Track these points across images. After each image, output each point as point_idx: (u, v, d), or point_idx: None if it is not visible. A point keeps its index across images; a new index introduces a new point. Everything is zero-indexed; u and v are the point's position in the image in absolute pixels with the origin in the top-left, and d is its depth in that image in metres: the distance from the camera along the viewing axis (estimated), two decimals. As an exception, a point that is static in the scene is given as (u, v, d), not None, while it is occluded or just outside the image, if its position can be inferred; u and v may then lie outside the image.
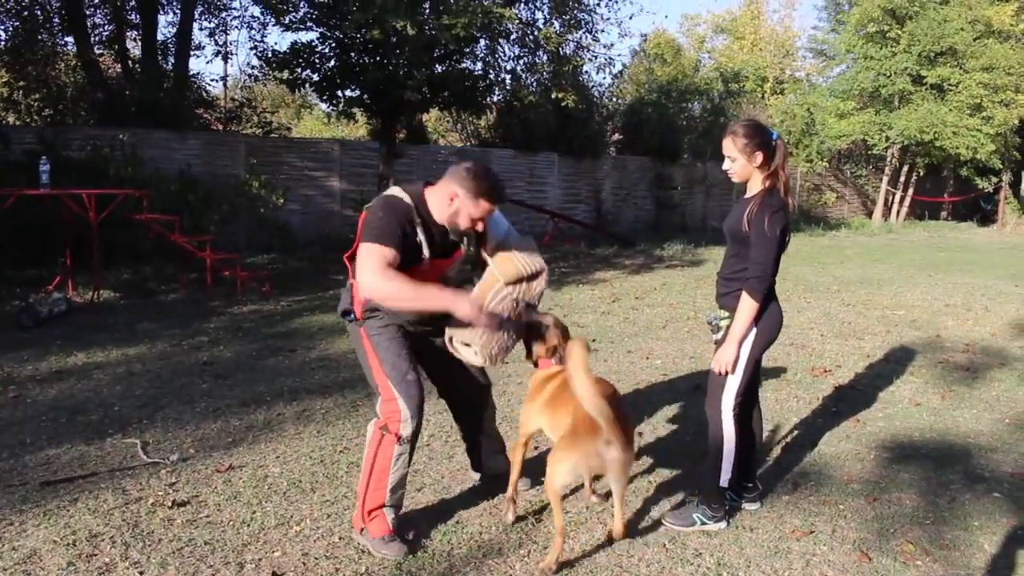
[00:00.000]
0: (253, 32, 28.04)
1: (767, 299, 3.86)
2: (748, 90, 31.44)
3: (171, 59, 17.91)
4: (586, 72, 19.29)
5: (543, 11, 16.33)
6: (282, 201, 14.98)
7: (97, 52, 17.57)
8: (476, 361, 3.85)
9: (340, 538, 3.82)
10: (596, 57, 17.06)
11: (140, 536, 3.81)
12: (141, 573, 3.48)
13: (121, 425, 5.39)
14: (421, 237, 3.68)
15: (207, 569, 3.52)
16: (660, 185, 23.75)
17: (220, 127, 18.12)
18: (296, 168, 16.45)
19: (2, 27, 17.19)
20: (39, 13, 17.36)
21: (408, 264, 3.62)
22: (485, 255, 3.97)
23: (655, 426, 5.59)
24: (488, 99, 17.15)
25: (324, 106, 18.29)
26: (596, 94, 22.46)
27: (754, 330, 3.90)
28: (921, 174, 28.15)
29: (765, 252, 3.78)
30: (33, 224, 10.90)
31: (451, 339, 3.89)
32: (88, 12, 17.50)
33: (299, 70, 14.79)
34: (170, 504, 4.15)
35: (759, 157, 3.87)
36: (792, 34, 39.23)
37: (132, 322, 8.68)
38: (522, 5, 15.88)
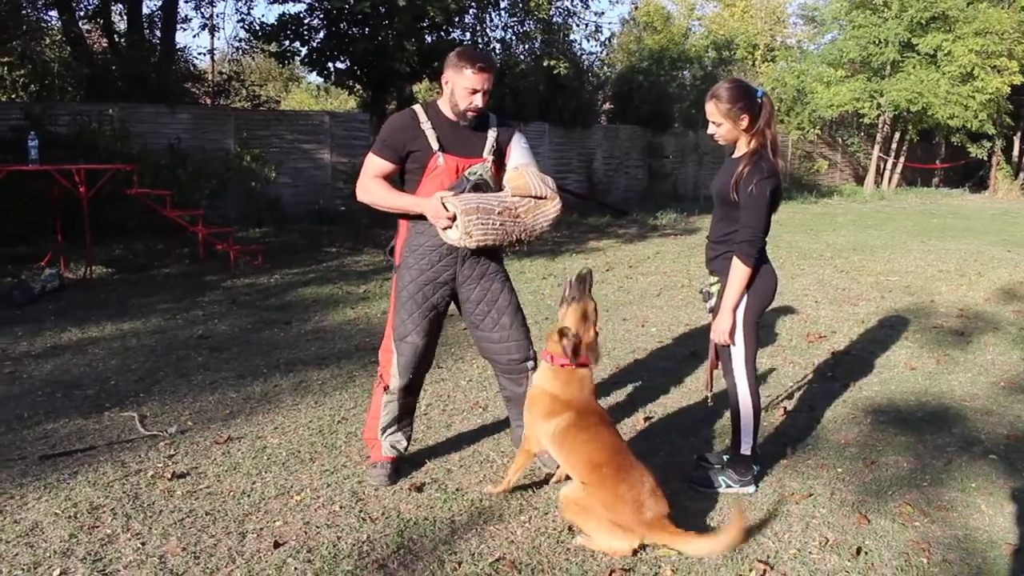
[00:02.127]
0: (240, 4, 27.79)
1: (759, 262, 3.81)
2: (739, 58, 31.28)
3: (157, 33, 17.75)
4: (575, 40, 19.19)
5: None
6: (274, 175, 14.91)
7: (82, 27, 17.39)
8: (452, 237, 3.79)
9: (340, 507, 3.84)
10: (587, 25, 16.98)
11: (141, 508, 3.82)
12: (143, 544, 3.50)
13: (118, 399, 5.39)
14: (428, 133, 3.89)
15: (209, 539, 3.54)
16: (652, 154, 23.68)
17: (208, 101, 17.98)
18: (287, 141, 16.34)
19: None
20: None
21: (423, 164, 3.91)
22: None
23: (652, 392, 5.61)
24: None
25: (312, 78, 18.20)
26: (586, 63, 22.35)
27: (746, 298, 3.85)
28: (913, 140, 28.12)
29: (755, 215, 3.71)
30: (23, 201, 10.84)
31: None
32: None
33: (288, 42, 14.65)
34: (170, 476, 4.16)
35: (745, 120, 3.78)
36: (783, 0, 39.00)
37: (125, 297, 8.66)
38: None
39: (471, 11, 15.01)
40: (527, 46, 17.70)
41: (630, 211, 18.59)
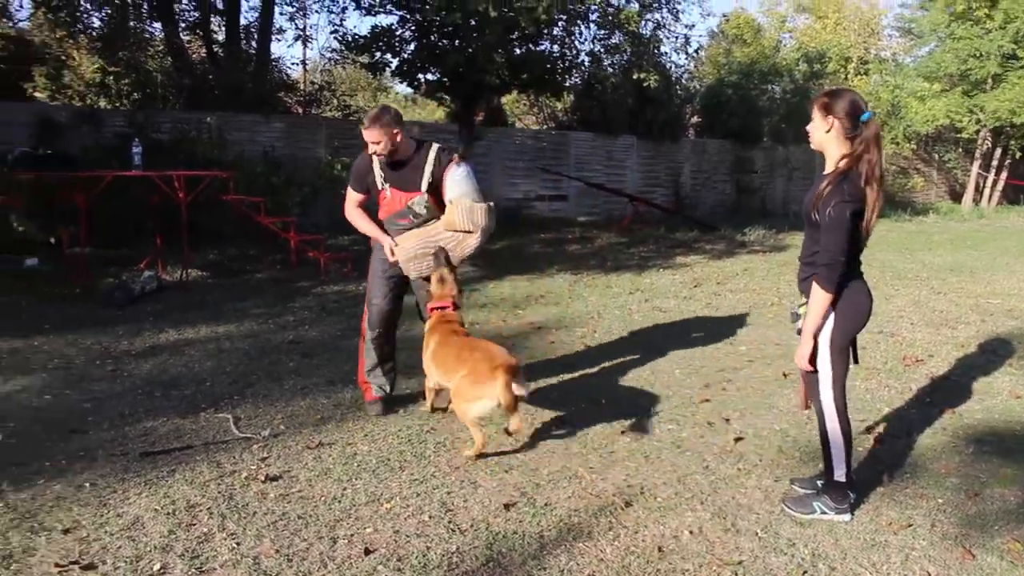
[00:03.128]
0: (333, 16, 28.36)
1: (848, 281, 3.69)
2: (831, 71, 30.66)
3: (254, 44, 18.25)
4: (664, 53, 19.09)
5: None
6: (362, 183, 15.12)
7: (184, 38, 17.98)
8: (404, 267, 5.16)
9: (430, 517, 3.86)
10: (676, 38, 16.87)
11: (235, 508, 3.91)
12: (238, 544, 3.57)
13: (213, 400, 5.54)
14: (377, 172, 5.16)
15: (301, 543, 3.59)
16: (740, 169, 23.38)
17: (301, 110, 18.39)
18: (376, 151, 16.56)
19: (97, 15, 17.71)
20: (130, 1, 17.80)
21: (377, 194, 5.21)
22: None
23: (742, 413, 5.50)
24: (567, 81, 17.07)
25: (401, 89, 18.44)
26: (675, 75, 22.18)
27: (832, 321, 3.74)
28: (1016, 156, 27.13)
29: (834, 239, 3.59)
30: (126, 204, 11.23)
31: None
32: (175, -1, 17.92)
33: (379, 54, 14.89)
34: (263, 478, 4.25)
35: (830, 122, 3.68)
36: (878, 12, 38.08)
37: (220, 301, 8.90)
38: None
39: (559, 23, 15.03)
40: (616, 59, 17.65)
41: (718, 226, 18.36)
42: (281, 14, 19.42)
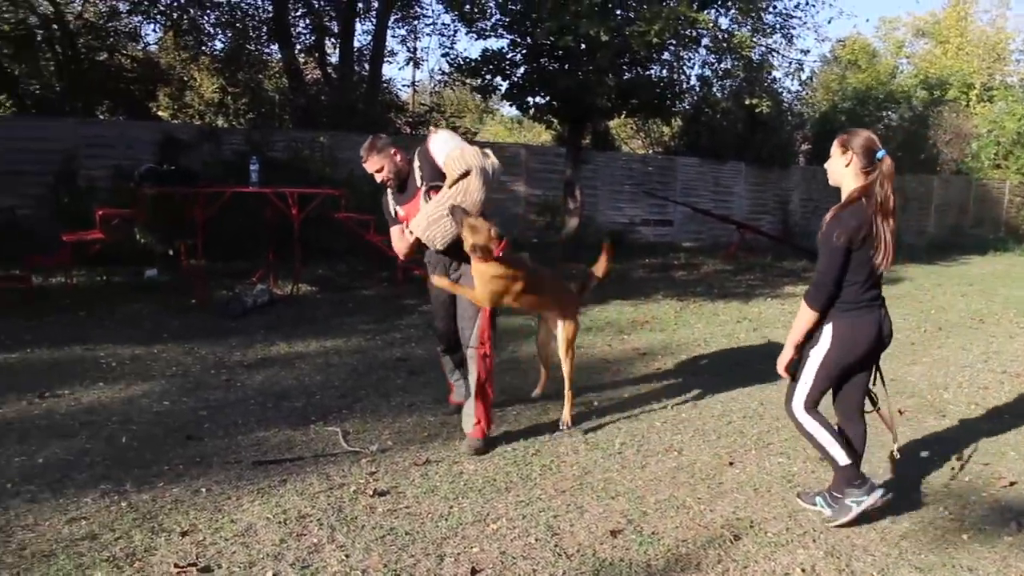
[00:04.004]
0: (443, 39, 28.92)
1: (850, 312, 3.91)
2: (951, 98, 29.70)
3: (366, 65, 18.72)
4: (777, 78, 18.84)
5: (731, 15, 15.99)
6: (469, 204, 15.30)
7: (299, 59, 18.58)
8: (428, 240, 5.01)
9: (536, 540, 3.85)
10: (790, 63, 16.61)
11: (345, 521, 3.97)
12: (347, 556, 3.62)
13: (323, 413, 5.66)
14: (390, 204, 5.38)
15: (408, 558, 3.62)
16: (852, 198, 22.74)
17: (409, 131, 18.75)
18: (483, 172, 16.73)
19: (219, 37, 18.49)
20: (250, 24, 18.53)
21: (400, 219, 5.30)
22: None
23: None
24: (676, 106, 16.97)
25: (507, 111, 18.63)
26: (786, 101, 21.82)
27: (828, 342, 3.94)
28: None
29: (827, 261, 3.86)
30: (241, 219, 11.61)
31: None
32: (292, 21, 18.53)
33: (489, 77, 15.06)
34: (371, 493, 4.31)
35: (848, 157, 3.93)
36: (1005, 36, 36.79)
37: (329, 316, 9.11)
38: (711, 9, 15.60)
39: (670, 48, 14.95)
40: (727, 83, 17.48)
41: (828, 256, 17.85)
42: (393, 37, 19.86)
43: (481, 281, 4.94)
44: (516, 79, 14.86)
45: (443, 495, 4.33)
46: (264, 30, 18.56)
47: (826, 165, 4.09)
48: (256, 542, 3.71)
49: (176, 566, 3.47)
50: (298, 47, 18.68)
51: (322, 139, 14.20)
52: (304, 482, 4.43)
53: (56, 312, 8.58)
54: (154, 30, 19.33)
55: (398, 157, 5.18)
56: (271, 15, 17.92)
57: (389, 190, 5.31)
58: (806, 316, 3.97)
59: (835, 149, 4.02)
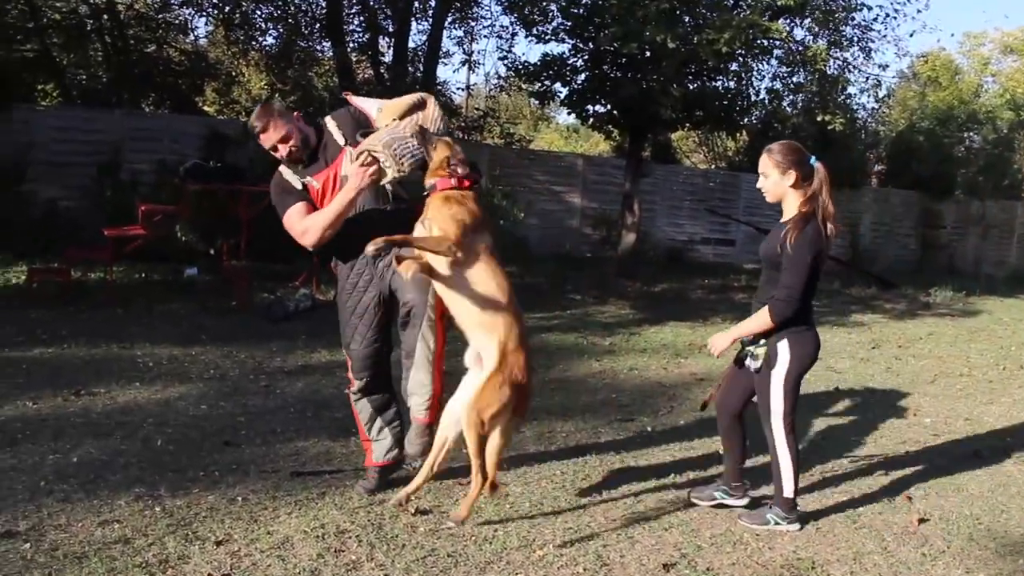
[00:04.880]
0: (501, 42, 29.07)
1: (799, 323, 4.18)
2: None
3: (420, 66, 18.87)
4: (852, 94, 18.61)
5: (807, 26, 15.86)
6: (522, 215, 15.36)
7: (352, 57, 18.79)
8: (389, 172, 4.05)
9: (584, 569, 3.80)
10: (867, 78, 16.42)
11: (384, 539, 3.96)
12: (386, 575, 3.62)
13: (365, 426, 5.66)
14: (290, 178, 4.39)
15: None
16: (928, 223, 22.41)
17: (463, 136, 18.85)
18: (537, 181, 16.81)
19: (270, 32, 18.78)
20: (303, 20, 18.79)
21: (312, 198, 4.36)
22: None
23: (927, 492, 5.18)
24: (743, 119, 16.86)
25: (563, 119, 18.66)
26: (860, 118, 21.58)
27: (788, 356, 4.18)
28: None
29: (795, 277, 4.05)
30: (284, 221, 11.73)
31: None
32: (346, 19, 18.76)
33: (549, 82, 15.09)
34: (413, 511, 4.30)
35: (792, 175, 4.13)
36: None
37: (373, 324, 9.15)
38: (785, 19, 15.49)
39: (740, 58, 14.86)
40: (798, 97, 17.35)
41: (898, 284, 17.61)
42: (449, 38, 20.00)
43: (447, 212, 3.92)
44: (576, 86, 14.86)
45: (487, 517, 4.31)
46: (316, 27, 18.81)
47: (761, 184, 4.27)
48: (292, 555, 3.72)
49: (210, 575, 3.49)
50: (351, 45, 18.89)
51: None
52: (343, 496, 4.44)
53: (94, 307, 8.75)
54: (205, 23, 19.75)
55: (302, 123, 4.36)
56: (324, 11, 18.15)
57: (283, 167, 4.41)
58: (764, 323, 4.17)
59: (771, 169, 4.18)
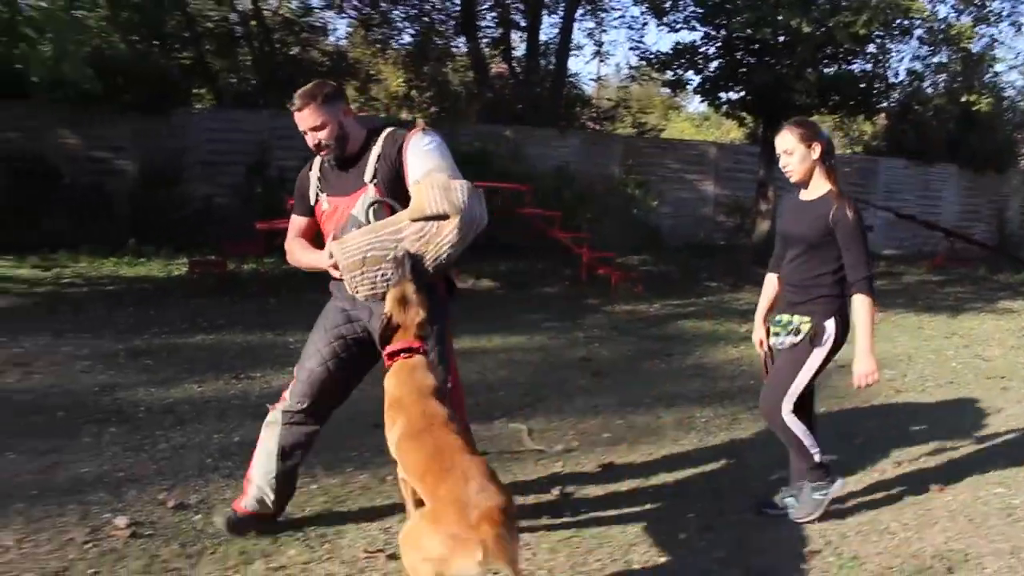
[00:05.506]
0: (632, 32, 28.85)
1: (844, 301, 3.97)
2: None
3: (552, 59, 18.91)
4: (997, 72, 17.68)
5: (950, 3, 15.15)
6: (655, 203, 15.24)
7: (485, 52, 18.98)
8: (349, 282, 3.55)
9: (727, 553, 3.75)
10: (1017, 55, 15.59)
11: (528, 519, 3.99)
12: (533, 555, 3.65)
13: (506, 410, 5.76)
14: (312, 178, 3.86)
15: (595, 562, 3.62)
16: (1082, 206, 21.13)
17: (595, 126, 18.80)
18: (670, 170, 16.63)
19: (407, 31, 19.16)
20: (437, 18, 19.09)
21: (318, 212, 3.84)
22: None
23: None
24: (881, 102, 16.25)
25: (694, 108, 18.40)
26: (1008, 97, 20.46)
27: (835, 335, 3.94)
28: None
29: (863, 250, 3.88)
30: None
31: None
32: (479, 15, 18.95)
33: (680, 71, 14.90)
34: (556, 493, 4.33)
35: (818, 148, 3.93)
36: None
37: (511, 312, 9.29)
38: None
39: (877, 39, 14.32)
40: (940, 78, 16.62)
41: (1050, 270, 16.69)
42: (580, 30, 19.96)
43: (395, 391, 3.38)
44: (708, 73, 14.64)
45: (630, 500, 4.30)
46: (451, 23, 19.07)
47: (785, 163, 4.01)
48: (445, 535, 3.80)
49: (365, 551, 3.60)
50: (484, 40, 19.07)
51: (507, 133, 14.44)
52: (487, 477, 4.51)
53: (247, 297, 9.14)
54: (345, 25, 20.28)
55: (349, 119, 3.74)
56: (458, 8, 18.38)
57: (317, 164, 3.86)
58: (873, 311, 3.93)
59: (795, 144, 3.95)
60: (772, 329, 4.13)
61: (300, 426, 3.79)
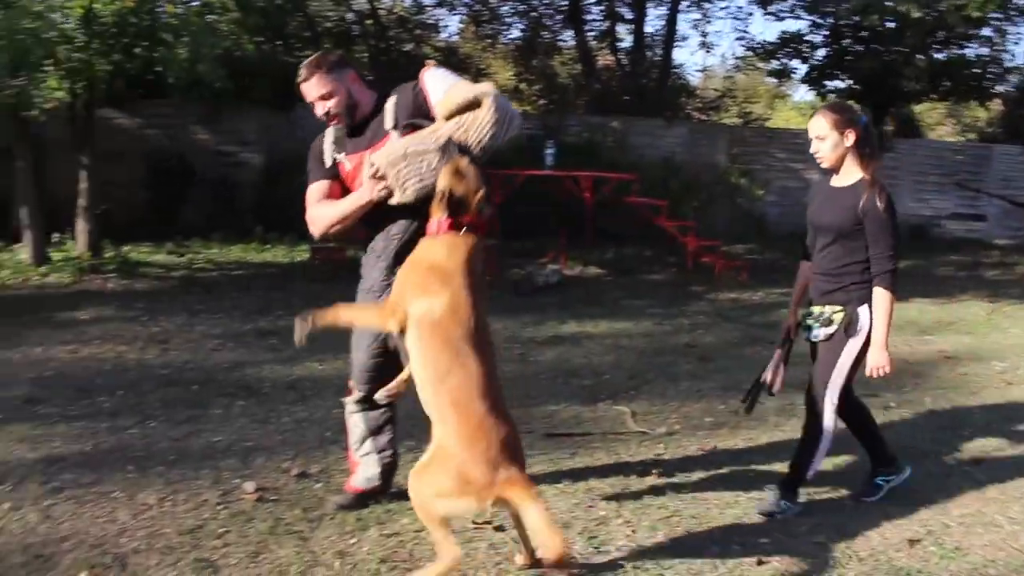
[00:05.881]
0: (737, 22, 28.34)
1: (865, 293, 3.82)
2: None
3: (658, 51, 18.75)
4: None
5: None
6: (760, 192, 15.01)
7: (592, 45, 18.94)
8: (396, 195, 3.41)
9: (827, 538, 3.71)
10: None
11: (631, 498, 4.06)
12: (633, 531, 3.70)
13: (611, 393, 5.82)
14: (326, 146, 3.75)
15: (694, 542, 3.64)
16: None
17: (701, 116, 18.59)
18: (776, 160, 16.32)
19: (516, 26, 19.28)
20: (545, 12, 19.12)
21: (343, 174, 3.72)
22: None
23: None
24: (997, 87, 15.60)
25: (800, 97, 17.99)
26: None
27: (868, 324, 3.80)
28: None
29: (893, 241, 3.77)
30: (533, 201, 12.09)
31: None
32: (586, 8, 18.91)
33: (786, 60, 14.63)
34: (658, 473, 4.37)
35: (852, 135, 3.77)
36: None
37: (617, 298, 9.35)
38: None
39: (993, 22, 13.73)
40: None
41: None
42: (685, 21, 19.74)
43: (406, 277, 3.24)
44: (815, 62, 14.34)
45: (729, 482, 4.31)
46: (558, 17, 19.08)
47: (816, 149, 3.89)
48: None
49: (473, 523, 3.70)
50: (591, 33, 19.03)
51: (614, 124, 14.42)
52: (592, 457, 4.59)
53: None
54: (457, 21, 20.51)
55: (356, 86, 3.70)
56: (565, 2, 18.39)
57: (330, 132, 3.78)
58: (891, 305, 3.81)
59: (827, 130, 3.81)
60: (804, 322, 4.05)
61: (375, 410, 3.80)
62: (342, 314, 3.44)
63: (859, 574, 3.44)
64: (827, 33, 14.13)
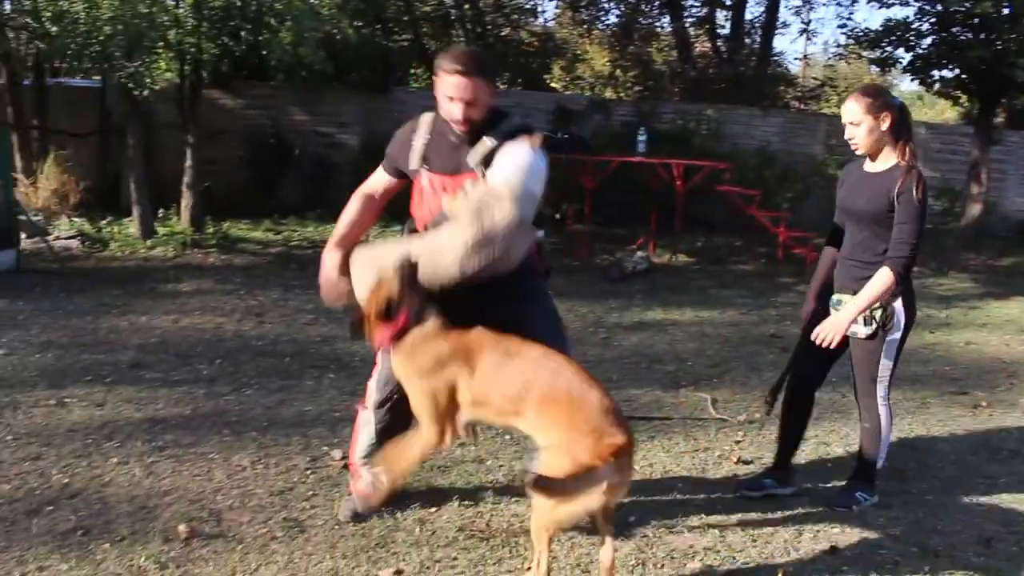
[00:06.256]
0: (841, 9, 27.63)
1: (908, 280, 3.74)
2: None
3: (757, 38, 18.45)
4: None
5: None
6: (857, 184, 14.67)
7: (690, 31, 18.75)
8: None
9: (901, 532, 3.71)
10: None
11: (707, 483, 4.14)
12: (706, 515, 3.76)
13: (693, 379, 5.86)
14: (416, 145, 3.38)
15: (767, 528, 3.69)
16: None
17: (799, 106, 18.24)
18: (876, 151, 15.92)
19: (613, 12, 19.20)
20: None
21: (416, 184, 3.41)
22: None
23: None
24: None
25: (904, 87, 17.43)
26: None
27: (904, 318, 3.75)
28: None
29: (918, 231, 3.62)
30: (625, 188, 12.11)
31: None
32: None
33: (891, 48, 14.19)
34: (735, 460, 4.42)
35: (888, 119, 3.65)
36: None
37: (705, 287, 9.34)
38: None
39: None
40: None
41: None
42: (786, 8, 19.36)
43: (423, 381, 3.08)
44: (921, 50, 13.85)
45: (807, 473, 4.31)
46: (656, 3, 18.94)
47: (851, 134, 3.74)
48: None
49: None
50: (689, 19, 18.83)
51: (709, 112, 14.29)
52: (671, 441, 4.65)
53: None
54: (554, 6, 20.53)
55: (493, 99, 3.31)
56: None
57: (424, 129, 3.41)
58: (888, 287, 3.64)
59: (861, 115, 3.67)
60: (836, 310, 3.88)
61: (386, 417, 3.59)
62: (404, 460, 3.20)
63: (933, 569, 3.43)
64: (935, 21, 13.62)
